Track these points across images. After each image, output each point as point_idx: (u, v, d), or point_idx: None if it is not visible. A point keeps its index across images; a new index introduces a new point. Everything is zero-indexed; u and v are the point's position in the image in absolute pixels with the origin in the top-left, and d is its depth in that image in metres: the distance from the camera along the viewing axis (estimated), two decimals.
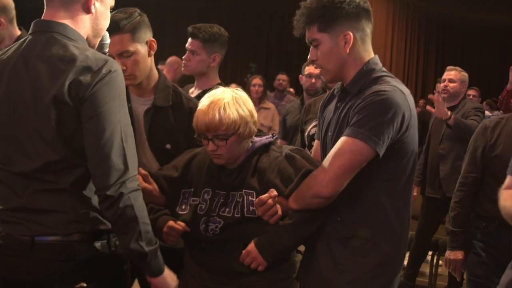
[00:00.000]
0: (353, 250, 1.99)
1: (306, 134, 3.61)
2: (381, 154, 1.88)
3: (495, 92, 7.76)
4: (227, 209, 2.05)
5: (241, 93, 2.08)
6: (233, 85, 6.92)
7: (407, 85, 2.19)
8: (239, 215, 2.03)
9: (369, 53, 2.04)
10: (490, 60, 12.49)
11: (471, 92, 7.65)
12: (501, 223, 2.63)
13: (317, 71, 4.22)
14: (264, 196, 1.94)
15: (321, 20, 1.97)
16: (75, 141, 1.71)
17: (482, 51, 12.72)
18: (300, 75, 4.56)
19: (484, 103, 8.85)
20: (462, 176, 3.02)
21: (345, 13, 1.96)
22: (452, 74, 4.73)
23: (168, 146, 2.35)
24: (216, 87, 2.12)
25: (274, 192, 1.95)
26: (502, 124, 2.93)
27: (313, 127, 3.44)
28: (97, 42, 1.92)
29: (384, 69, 2.05)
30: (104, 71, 1.68)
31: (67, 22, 1.78)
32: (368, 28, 2.03)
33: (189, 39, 3.03)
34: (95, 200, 1.76)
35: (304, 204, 1.96)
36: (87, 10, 1.82)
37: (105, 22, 1.91)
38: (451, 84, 4.67)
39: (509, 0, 11.27)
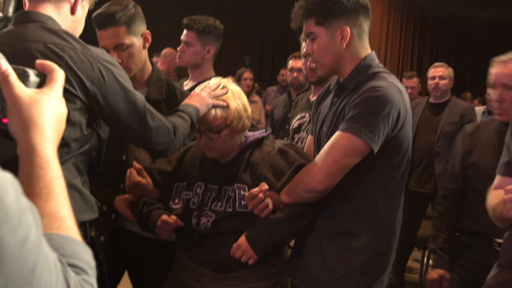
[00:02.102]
0: (343, 247, 1.97)
1: (291, 127, 3.62)
2: (375, 150, 1.86)
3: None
4: (219, 203, 2.04)
5: (235, 87, 2.07)
6: (230, 77, 6.91)
7: (401, 82, 2.17)
8: (230, 210, 2.02)
9: (366, 49, 2.03)
10: (484, 58, 12.52)
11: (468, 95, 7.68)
12: (482, 237, 2.46)
13: (299, 64, 4.24)
14: (254, 190, 1.92)
15: (319, 13, 1.96)
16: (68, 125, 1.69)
17: (476, 48, 12.73)
18: (285, 70, 4.58)
19: (476, 100, 8.86)
20: (442, 188, 2.74)
21: (343, 8, 1.95)
22: (441, 71, 4.68)
23: None
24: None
25: (265, 186, 1.93)
26: (481, 129, 2.60)
27: (297, 120, 3.46)
28: None
29: (381, 65, 2.04)
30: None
31: (53, 17, 1.74)
32: (366, 25, 2.02)
33: (184, 31, 3.02)
34: (79, 186, 1.71)
35: (296, 198, 1.94)
36: (72, 11, 1.79)
37: (81, 28, 1.87)
38: (442, 82, 4.64)
39: None
